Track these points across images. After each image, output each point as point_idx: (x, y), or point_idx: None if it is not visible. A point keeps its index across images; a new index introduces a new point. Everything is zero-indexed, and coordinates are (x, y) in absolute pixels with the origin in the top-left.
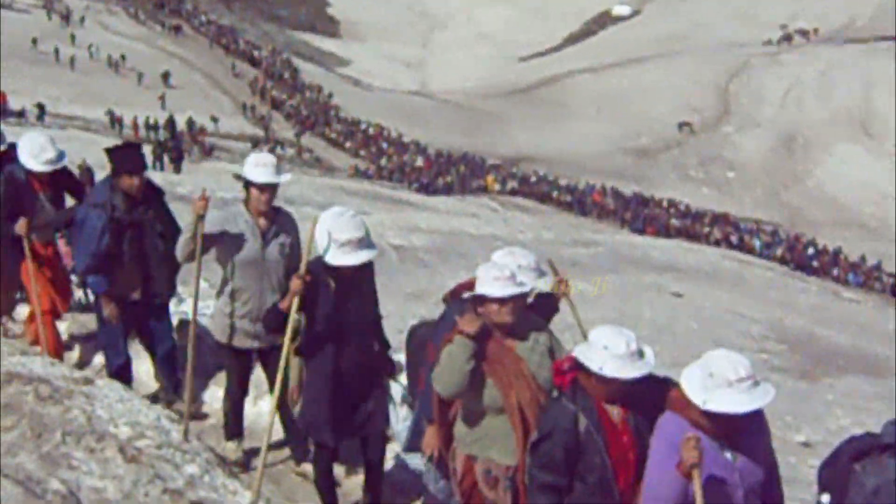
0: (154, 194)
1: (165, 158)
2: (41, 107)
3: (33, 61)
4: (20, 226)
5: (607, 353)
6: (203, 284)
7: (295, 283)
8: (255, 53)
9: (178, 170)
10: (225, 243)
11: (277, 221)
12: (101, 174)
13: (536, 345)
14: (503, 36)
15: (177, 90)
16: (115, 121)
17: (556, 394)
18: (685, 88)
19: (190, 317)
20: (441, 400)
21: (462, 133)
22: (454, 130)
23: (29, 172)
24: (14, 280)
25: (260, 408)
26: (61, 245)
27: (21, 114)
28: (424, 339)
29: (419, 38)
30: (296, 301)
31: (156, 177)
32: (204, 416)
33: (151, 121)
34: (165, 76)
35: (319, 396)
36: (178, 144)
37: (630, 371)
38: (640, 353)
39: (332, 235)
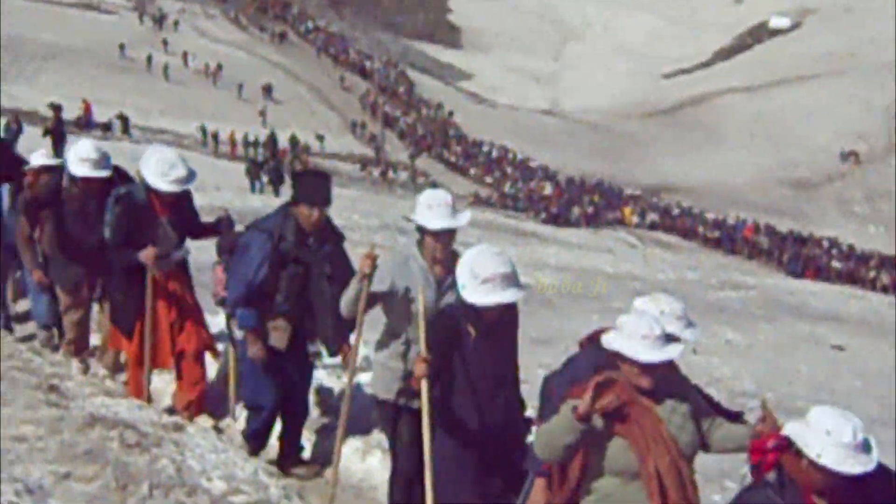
0: (333, 235)
1: (263, 179)
2: (124, 118)
3: (121, 69)
4: (146, 255)
5: (829, 439)
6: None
7: (419, 369)
8: (367, 64)
9: (277, 192)
10: (395, 294)
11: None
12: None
13: (678, 405)
14: (645, 49)
15: (279, 104)
16: (210, 136)
17: (748, 472)
18: (850, 113)
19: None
20: None
21: (597, 158)
22: (588, 155)
23: (152, 193)
24: (130, 317)
25: (369, 464)
26: (218, 272)
27: (107, 126)
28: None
29: (551, 50)
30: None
31: (253, 200)
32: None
33: (251, 137)
34: (267, 89)
35: (457, 458)
36: (277, 164)
37: (854, 465)
38: (867, 445)
39: (473, 271)
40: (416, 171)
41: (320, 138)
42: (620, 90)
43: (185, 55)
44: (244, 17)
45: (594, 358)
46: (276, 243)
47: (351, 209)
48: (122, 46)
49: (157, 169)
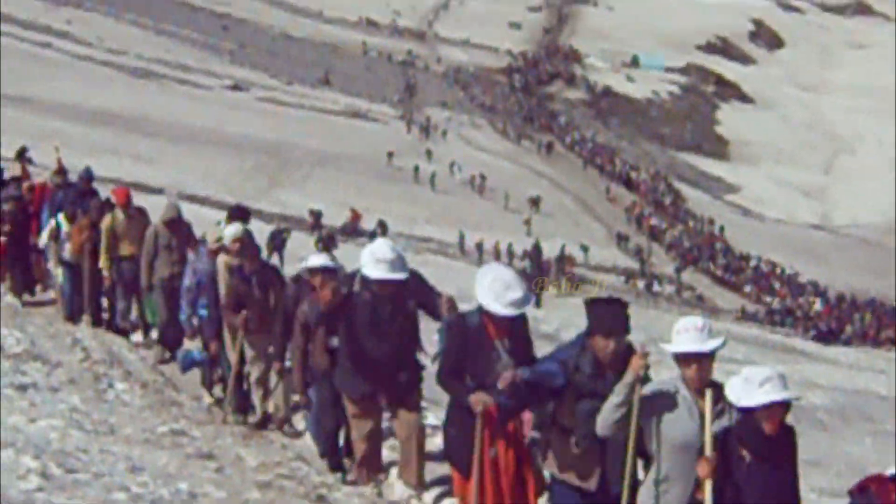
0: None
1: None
2: (383, 225)
3: (388, 177)
4: (475, 399)
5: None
6: None
7: (703, 468)
8: (633, 175)
9: (538, 304)
10: (654, 420)
11: (720, 398)
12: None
13: None
14: None
15: (544, 215)
16: (475, 246)
17: None
18: None
19: None
20: None
21: (868, 274)
22: (860, 271)
23: (486, 315)
24: (465, 455)
25: None
26: None
27: (374, 234)
28: None
29: (821, 163)
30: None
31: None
32: None
33: (515, 248)
34: (535, 202)
35: None
36: (540, 275)
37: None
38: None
39: (747, 378)
40: (682, 284)
41: (585, 249)
42: (892, 205)
43: (451, 165)
44: (510, 127)
45: None
46: (573, 377)
47: None
48: (389, 155)
49: (492, 290)
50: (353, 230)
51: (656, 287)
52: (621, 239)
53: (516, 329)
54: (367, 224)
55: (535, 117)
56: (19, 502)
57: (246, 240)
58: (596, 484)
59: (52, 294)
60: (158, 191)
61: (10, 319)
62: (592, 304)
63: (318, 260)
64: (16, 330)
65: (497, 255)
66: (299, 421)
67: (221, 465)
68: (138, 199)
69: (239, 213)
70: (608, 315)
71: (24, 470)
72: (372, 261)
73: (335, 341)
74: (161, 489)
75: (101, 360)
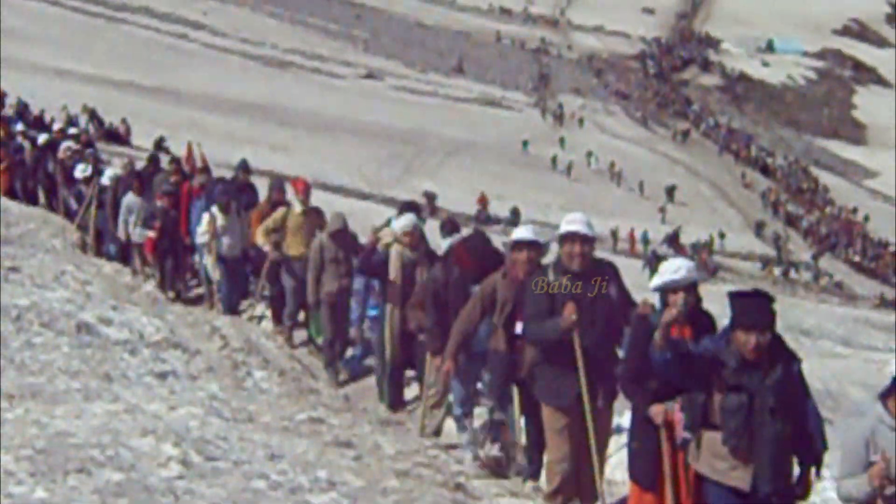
0: (783, 359)
1: None
2: (516, 212)
3: (523, 165)
4: (655, 411)
5: None
6: None
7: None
8: (769, 162)
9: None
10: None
11: None
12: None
13: None
14: None
15: (679, 203)
16: (609, 233)
17: None
18: None
19: None
20: None
21: None
22: None
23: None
24: (649, 469)
25: None
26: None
27: (498, 220)
28: None
29: None
30: None
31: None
32: None
33: (650, 234)
34: (671, 191)
35: None
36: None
37: None
38: None
39: None
40: (820, 271)
41: (721, 236)
42: None
43: (588, 154)
44: (645, 113)
45: None
46: (720, 372)
47: None
48: (525, 143)
49: (663, 274)
50: (485, 218)
51: (793, 274)
52: (759, 226)
53: (703, 330)
54: (500, 211)
55: (670, 104)
56: (160, 490)
57: (418, 231)
58: (749, 483)
59: (199, 290)
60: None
61: (150, 307)
62: (735, 297)
63: (524, 232)
64: (155, 318)
65: (632, 243)
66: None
67: (359, 453)
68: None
69: (409, 207)
70: (750, 309)
71: (164, 458)
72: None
73: (519, 328)
74: (300, 477)
75: (240, 349)
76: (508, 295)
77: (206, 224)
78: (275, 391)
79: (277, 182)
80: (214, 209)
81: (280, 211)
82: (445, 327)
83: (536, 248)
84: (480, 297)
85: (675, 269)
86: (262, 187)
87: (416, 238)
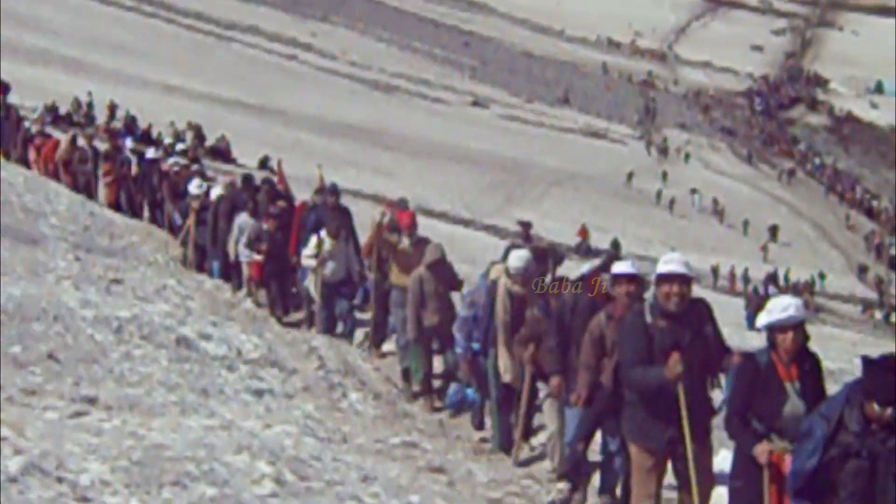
0: None
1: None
2: (616, 245)
3: (625, 198)
4: (761, 450)
5: None
6: None
7: None
8: (874, 204)
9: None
10: None
11: None
12: None
13: None
14: None
15: (782, 243)
16: (711, 270)
17: None
18: None
19: None
20: None
21: None
22: None
23: (777, 355)
24: None
25: None
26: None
27: (599, 252)
28: None
29: None
30: None
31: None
32: None
33: (751, 273)
34: (773, 231)
35: None
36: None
37: None
38: None
39: None
40: None
41: (822, 277)
42: None
43: (693, 191)
44: (751, 151)
45: None
46: (835, 432)
47: (852, 352)
48: (629, 176)
49: (769, 307)
50: (585, 249)
51: (895, 318)
52: (861, 269)
53: (808, 370)
54: (600, 243)
55: (776, 142)
56: None
57: (532, 268)
58: None
59: (302, 314)
60: None
61: (249, 325)
62: (869, 365)
63: (624, 266)
64: (254, 335)
65: (732, 281)
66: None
67: (452, 479)
68: (378, 211)
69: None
70: (887, 381)
71: (258, 475)
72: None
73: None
74: (392, 500)
75: (336, 370)
76: (616, 338)
77: (313, 248)
78: (370, 413)
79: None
80: (323, 233)
81: (391, 236)
82: (566, 350)
83: (636, 282)
84: (590, 342)
85: (783, 307)
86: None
87: (527, 277)
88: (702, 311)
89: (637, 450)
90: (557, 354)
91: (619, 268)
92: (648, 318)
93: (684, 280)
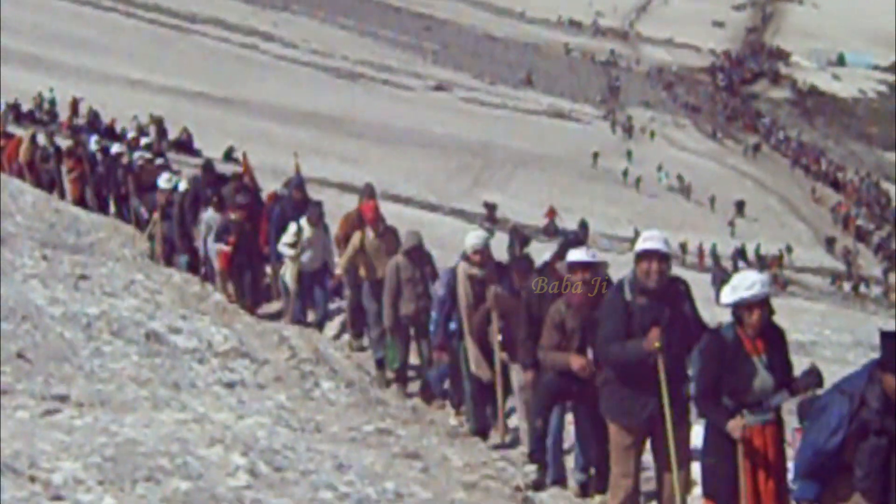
0: None
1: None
2: (584, 225)
3: (592, 178)
4: (734, 425)
5: None
6: None
7: None
8: (840, 176)
9: None
10: None
11: None
12: None
13: None
14: None
15: (749, 217)
16: (679, 246)
17: None
18: None
19: None
20: None
21: None
22: None
23: (741, 328)
24: (723, 486)
25: None
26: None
27: (566, 233)
28: None
29: None
30: None
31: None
32: None
33: (718, 249)
34: (740, 206)
35: None
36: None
37: None
38: None
39: None
40: (890, 286)
41: (789, 250)
42: None
43: (659, 168)
44: (715, 126)
45: None
46: (857, 409)
47: (821, 324)
48: (595, 155)
49: (735, 282)
50: (553, 230)
51: (863, 289)
52: (829, 241)
53: (774, 343)
54: (569, 224)
55: (740, 117)
56: (229, 499)
57: (488, 250)
58: None
59: (277, 305)
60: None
61: (219, 317)
62: (887, 338)
63: (578, 254)
64: (223, 327)
65: (701, 257)
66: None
67: (427, 464)
68: (344, 199)
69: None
70: None
71: (232, 467)
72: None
73: (590, 354)
74: (367, 488)
75: (308, 359)
76: (575, 325)
77: (291, 236)
78: (342, 402)
79: (367, 189)
80: (303, 221)
81: (355, 236)
82: (536, 340)
83: (592, 269)
84: (550, 326)
85: (748, 284)
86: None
87: (485, 256)
88: (680, 289)
89: (616, 428)
90: (529, 346)
91: (573, 255)
92: (628, 296)
93: (663, 257)
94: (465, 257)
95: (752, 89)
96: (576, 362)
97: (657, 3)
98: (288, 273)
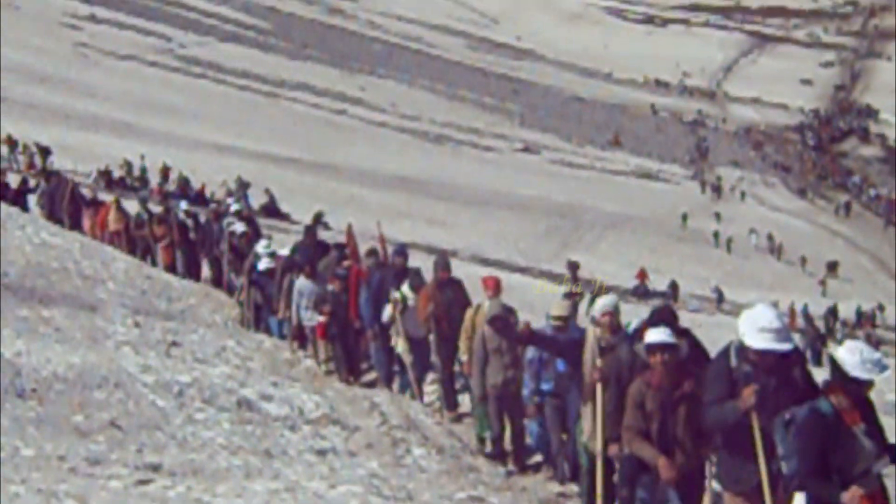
0: None
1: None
2: (675, 286)
3: (681, 238)
4: (851, 495)
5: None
6: None
7: None
8: None
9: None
10: None
11: None
12: None
13: None
14: None
15: (842, 278)
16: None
17: None
18: None
19: None
20: None
21: None
22: None
23: (838, 401)
24: None
25: None
26: None
27: (663, 295)
28: None
29: None
30: None
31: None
32: None
33: (810, 309)
34: (832, 266)
35: None
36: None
37: None
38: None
39: None
40: None
41: (882, 309)
42: None
43: (750, 231)
44: (805, 185)
45: None
46: None
47: None
48: (684, 216)
49: (855, 356)
50: (643, 291)
51: None
52: None
53: (866, 408)
54: (658, 285)
55: (829, 175)
56: None
57: (617, 313)
58: None
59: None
60: (452, 254)
61: (310, 384)
62: None
63: (658, 335)
64: (314, 394)
65: (792, 316)
66: None
67: None
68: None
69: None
70: None
71: None
72: (754, 329)
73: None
74: None
75: (399, 426)
76: (655, 406)
77: (391, 305)
78: (434, 469)
79: (442, 259)
80: (405, 288)
81: (469, 311)
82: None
83: (671, 350)
84: (632, 406)
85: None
86: (421, 262)
87: (615, 321)
88: (792, 357)
89: (730, 496)
90: (615, 419)
91: (652, 336)
92: (733, 361)
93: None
94: (594, 321)
95: (842, 147)
96: (665, 472)
97: (744, 63)
98: (399, 344)
